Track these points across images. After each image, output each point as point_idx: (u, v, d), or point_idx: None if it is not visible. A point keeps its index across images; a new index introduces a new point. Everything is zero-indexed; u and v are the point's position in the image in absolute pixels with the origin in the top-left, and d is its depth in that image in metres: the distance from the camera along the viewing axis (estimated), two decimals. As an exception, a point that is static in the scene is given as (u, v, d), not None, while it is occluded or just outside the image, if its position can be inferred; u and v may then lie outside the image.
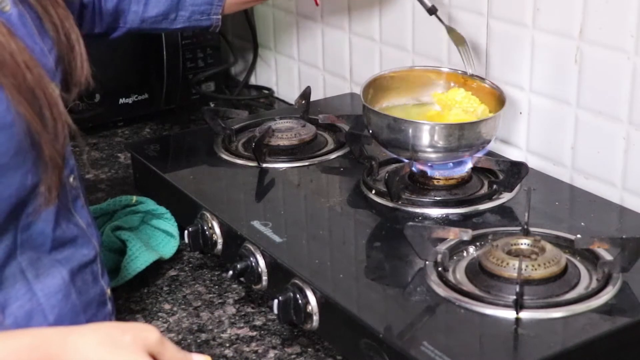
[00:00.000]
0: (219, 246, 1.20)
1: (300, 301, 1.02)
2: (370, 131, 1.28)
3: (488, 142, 1.26)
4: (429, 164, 1.25)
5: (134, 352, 0.79)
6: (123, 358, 0.79)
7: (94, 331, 0.82)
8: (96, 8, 1.28)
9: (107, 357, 0.79)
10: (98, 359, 0.79)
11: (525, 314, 0.95)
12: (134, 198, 1.29)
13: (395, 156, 1.29)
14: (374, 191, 1.24)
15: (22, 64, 0.83)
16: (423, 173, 1.25)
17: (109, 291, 1.02)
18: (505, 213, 1.20)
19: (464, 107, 1.31)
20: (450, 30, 1.37)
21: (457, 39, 1.36)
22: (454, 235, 1.08)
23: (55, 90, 0.87)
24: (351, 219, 1.23)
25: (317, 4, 1.44)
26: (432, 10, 1.38)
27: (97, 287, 0.99)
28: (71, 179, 0.96)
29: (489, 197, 1.22)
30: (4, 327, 0.89)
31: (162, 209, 1.28)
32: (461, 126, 1.23)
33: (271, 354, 1.06)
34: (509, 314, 0.95)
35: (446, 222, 1.17)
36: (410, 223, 1.07)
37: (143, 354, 0.79)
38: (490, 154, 1.29)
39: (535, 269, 1.00)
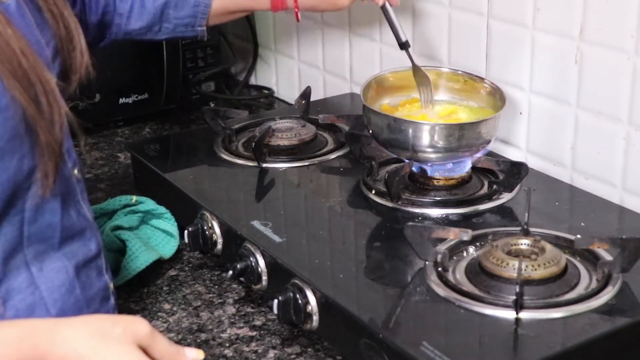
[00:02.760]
0: (219, 246, 1.20)
1: (300, 301, 1.02)
2: (370, 131, 1.28)
3: (488, 142, 1.26)
4: (429, 164, 1.25)
5: (124, 345, 0.79)
6: (112, 350, 0.78)
7: (84, 323, 0.81)
8: (82, 20, 1.29)
9: (97, 349, 0.78)
10: (87, 351, 0.78)
11: (525, 314, 0.95)
12: (134, 198, 1.29)
13: (395, 156, 1.29)
14: (374, 191, 1.24)
15: (18, 50, 0.84)
16: (423, 173, 1.25)
17: (112, 285, 1.02)
18: (505, 213, 1.20)
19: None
20: (416, 69, 1.35)
21: (421, 78, 1.34)
22: (453, 235, 1.08)
23: (53, 79, 0.88)
24: (351, 219, 1.23)
25: (297, 20, 1.41)
26: (404, 46, 1.35)
27: (101, 282, 1.00)
28: (76, 171, 0.97)
29: (489, 197, 1.22)
30: (5, 319, 0.89)
31: (162, 209, 1.28)
32: (461, 126, 1.23)
33: (271, 354, 1.06)
34: (509, 314, 0.95)
35: (446, 222, 1.17)
36: (410, 223, 1.07)
37: (133, 347, 0.79)
38: (490, 154, 1.29)
39: (535, 269, 1.00)
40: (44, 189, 0.88)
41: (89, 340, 0.79)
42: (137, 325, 0.81)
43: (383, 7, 1.36)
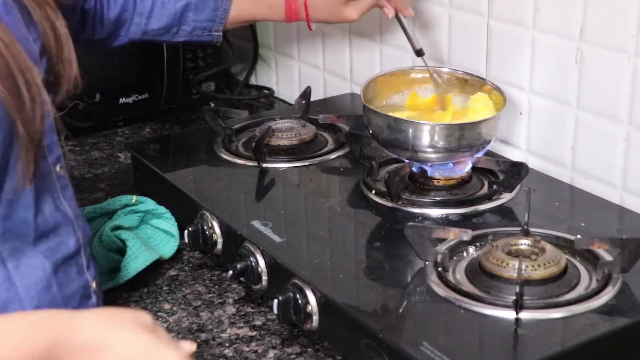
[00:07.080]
0: (219, 246, 1.20)
1: (300, 301, 1.02)
2: (370, 131, 1.28)
3: (488, 142, 1.26)
4: (429, 164, 1.25)
5: (137, 328, 0.81)
6: (128, 332, 0.80)
7: (95, 312, 0.84)
8: (97, 15, 1.30)
9: (113, 332, 0.80)
10: (104, 334, 0.80)
11: (525, 315, 0.95)
12: (134, 198, 1.29)
13: (395, 156, 1.29)
14: (374, 191, 1.24)
15: None
16: (423, 173, 1.25)
17: (94, 284, 1.02)
18: (505, 213, 1.20)
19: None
20: (432, 77, 1.38)
21: (437, 84, 1.38)
22: (453, 235, 1.08)
23: (35, 70, 0.87)
24: (351, 219, 1.23)
25: (310, 29, 1.44)
26: (419, 53, 1.40)
27: (81, 280, 0.99)
28: (58, 168, 0.97)
29: (489, 197, 1.22)
30: None
31: (162, 209, 1.28)
32: (461, 126, 1.23)
33: (271, 353, 1.06)
34: (509, 314, 0.96)
35: (446, 222, 1.17)
36: (410, 223, 1.07)
37: (144, 331, 0.81)
38: (490, 154, 1.29)
39: (535, 270, 1.00)
40: (24, 179, 0.87)
41: (105, 324, 0.81)
42: (142, 316, 0.83)
43: (397, 17, 1.40)
